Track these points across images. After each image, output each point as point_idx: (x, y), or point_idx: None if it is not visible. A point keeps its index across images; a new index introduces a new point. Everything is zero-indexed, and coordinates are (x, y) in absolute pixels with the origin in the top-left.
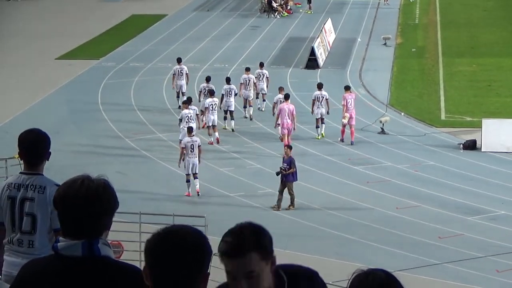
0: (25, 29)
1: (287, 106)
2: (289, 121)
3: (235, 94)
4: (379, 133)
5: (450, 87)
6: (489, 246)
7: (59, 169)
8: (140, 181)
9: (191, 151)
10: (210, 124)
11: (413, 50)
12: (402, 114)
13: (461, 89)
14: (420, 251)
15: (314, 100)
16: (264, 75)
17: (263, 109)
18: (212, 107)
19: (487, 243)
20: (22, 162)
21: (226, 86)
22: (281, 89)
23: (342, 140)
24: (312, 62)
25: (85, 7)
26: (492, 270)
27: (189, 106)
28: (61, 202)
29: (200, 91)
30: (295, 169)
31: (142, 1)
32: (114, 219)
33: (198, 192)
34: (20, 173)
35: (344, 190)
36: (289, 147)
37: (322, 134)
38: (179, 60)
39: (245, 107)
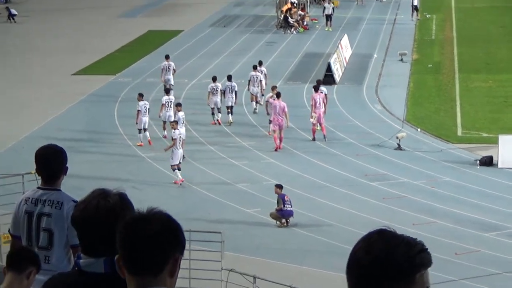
0: (41, 45)
1: (279, 104)
2: (280, 117)
3: (236, 91)
4: (395, 149)
5: (466, 103)
6: (506, 263)
7: (75, 183)
8: (156, 197)
9: (180, 142)
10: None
11: (429, 66)
12: (419, 130)
13: (477, 105)
14: (437, 267)
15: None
16: (262, 71)
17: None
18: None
19: (504, 259)
20: (39, 177)
21: (228, 83)
22: (274, 88)
23: (314, 139)
24: (328, 78)
25: (101, 23)
26: (509, 287)
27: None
28: (78, 223)
29: (209, 92)
30: (281, 206)
31: (159, 17)
32: None
33: (182, 180)
34: (38, 188)
35: (361, 206)
36: (278, 186)
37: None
38: (167, 57)
39: (253, 101)
